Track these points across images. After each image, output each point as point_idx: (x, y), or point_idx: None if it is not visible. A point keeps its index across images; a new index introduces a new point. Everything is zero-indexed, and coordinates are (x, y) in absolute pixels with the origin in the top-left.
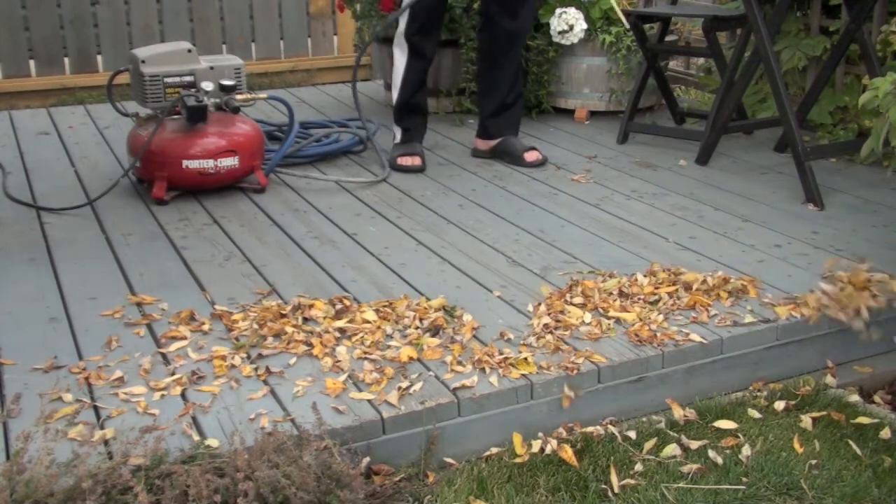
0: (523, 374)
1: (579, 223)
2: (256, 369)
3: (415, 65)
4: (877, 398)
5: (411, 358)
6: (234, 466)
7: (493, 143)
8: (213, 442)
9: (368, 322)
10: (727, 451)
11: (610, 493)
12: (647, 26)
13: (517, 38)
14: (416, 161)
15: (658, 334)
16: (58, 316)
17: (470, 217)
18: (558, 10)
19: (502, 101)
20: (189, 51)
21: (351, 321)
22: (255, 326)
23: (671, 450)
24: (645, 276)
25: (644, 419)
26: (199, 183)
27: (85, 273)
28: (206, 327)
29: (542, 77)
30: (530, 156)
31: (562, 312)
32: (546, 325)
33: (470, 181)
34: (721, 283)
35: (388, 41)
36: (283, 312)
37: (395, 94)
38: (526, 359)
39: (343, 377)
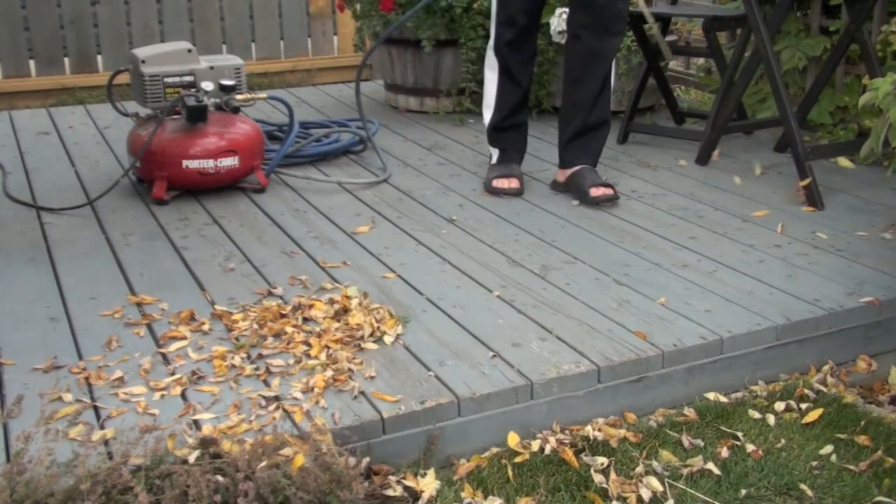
0: (523, 374)
1: (579, 223)
2: (256, 369)
3: (508, 88)
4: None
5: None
6: (234, 466)
7: (569, 172)
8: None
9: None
10: (727, 452)
11: (610, 493)
12: (647, 26)
13: (605, 58)
14: (514, 183)
15: None
16: (58, 316)
17: (470, 217)
18: (558, 10)
19: (583, 123)
20: (189, 51)
21: (349, 321)
22: (255, 326)
23: (671, 450)
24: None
25: (644, 419)
26: (199, 183)
27: (85, 273)
28: (206, 327)
29: (542, 77)
30: (597, 191)
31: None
32: (543, 325)
33: (470, 181)
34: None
35: (388, 41)
36: (283, 312)
37: (486, 115)
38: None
39: (343, 377)
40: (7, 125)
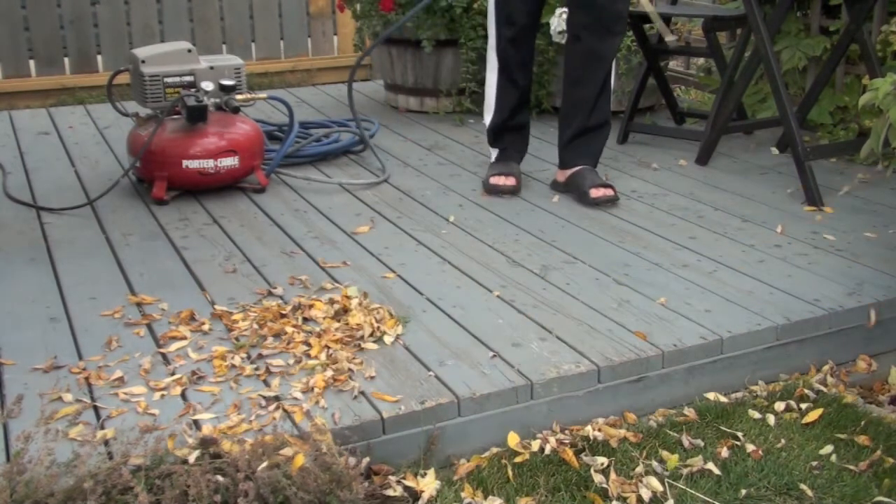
0: (523, 374)
1: (579, 223)
2: (256, 369)
3: (508, 89)
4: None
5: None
6: (234, 466)
7: (568, 173)
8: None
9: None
10: (727, 452)
11: (610, 493)
12: (647, 26)
13: (605, 59)
14: (511, 181)
15: None
16: (58, 316)
17: (470, 217)
18: (558, 10)
19: (583, 124)
20: (189, 51)
21: (349, 321)
22: (255, 326)
23: (671, 450)
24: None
25: (644, 419)
26: (199, 183)
27: (85, 273)
28: (206, 327)
29: (542, 77)
30: (597, 192)
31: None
32: (543, 325)
33: (470, 181)
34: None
35: (388, 41)
36: (283, 312)
37: (487, 116)
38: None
39: (343, 377)
40: (7, 125)
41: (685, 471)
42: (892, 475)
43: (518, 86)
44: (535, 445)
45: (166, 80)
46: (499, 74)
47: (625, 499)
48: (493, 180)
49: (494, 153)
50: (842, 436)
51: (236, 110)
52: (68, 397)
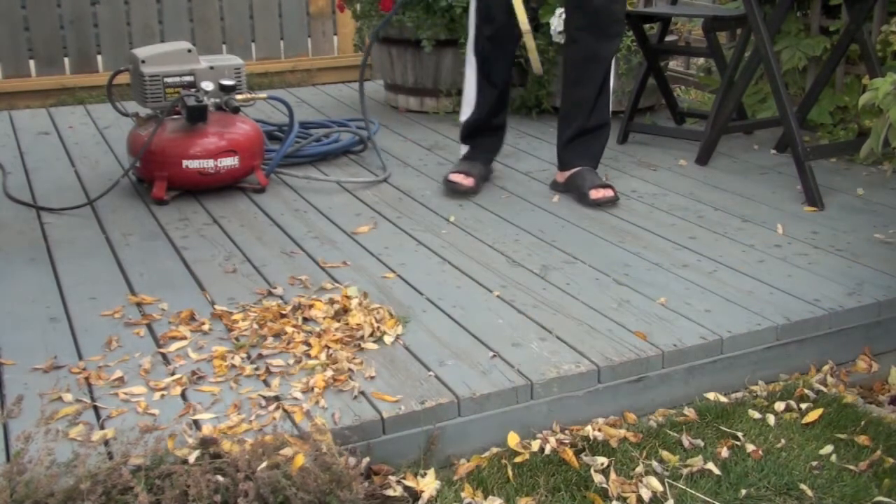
0: (523, 374)
1: (579, 223)
2: (256, 369)
3: (486, 87)
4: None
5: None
6: (234, 466)
7: (568, 174)
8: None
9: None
10: (727, 452)
11: (610, 493)
12: (647, 26)
13: (603, 60)
14: (468, 182)
15: None
16: (58, 316)
17: (470, 217)
18: (558, 11)
19: (583, 125)
20: (189, 51)
21: (349, 321)
22: (255, 326)
23: (671, 450)
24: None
25: (644, 419)
26: (199, 183)
27: (85, 273)
28: (206, 327)
29: (543, 77)
30: (596, 193)
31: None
32: (543, 325)
33: None
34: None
35: (387, 41)
36: (283, 312)
37: (465, 112)
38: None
39: (343, 377)
40: (7, 125)
41: (685, 471)
42: (892, 475)
43: (496, 86)
44: (535, 445)
45: (166, 80)
46: (477, 73)
47: (625, 499)
48: (453, 177)
49: (464, 150)
50: (842, 436)
51: (236, 110)
52: (68, 397)
